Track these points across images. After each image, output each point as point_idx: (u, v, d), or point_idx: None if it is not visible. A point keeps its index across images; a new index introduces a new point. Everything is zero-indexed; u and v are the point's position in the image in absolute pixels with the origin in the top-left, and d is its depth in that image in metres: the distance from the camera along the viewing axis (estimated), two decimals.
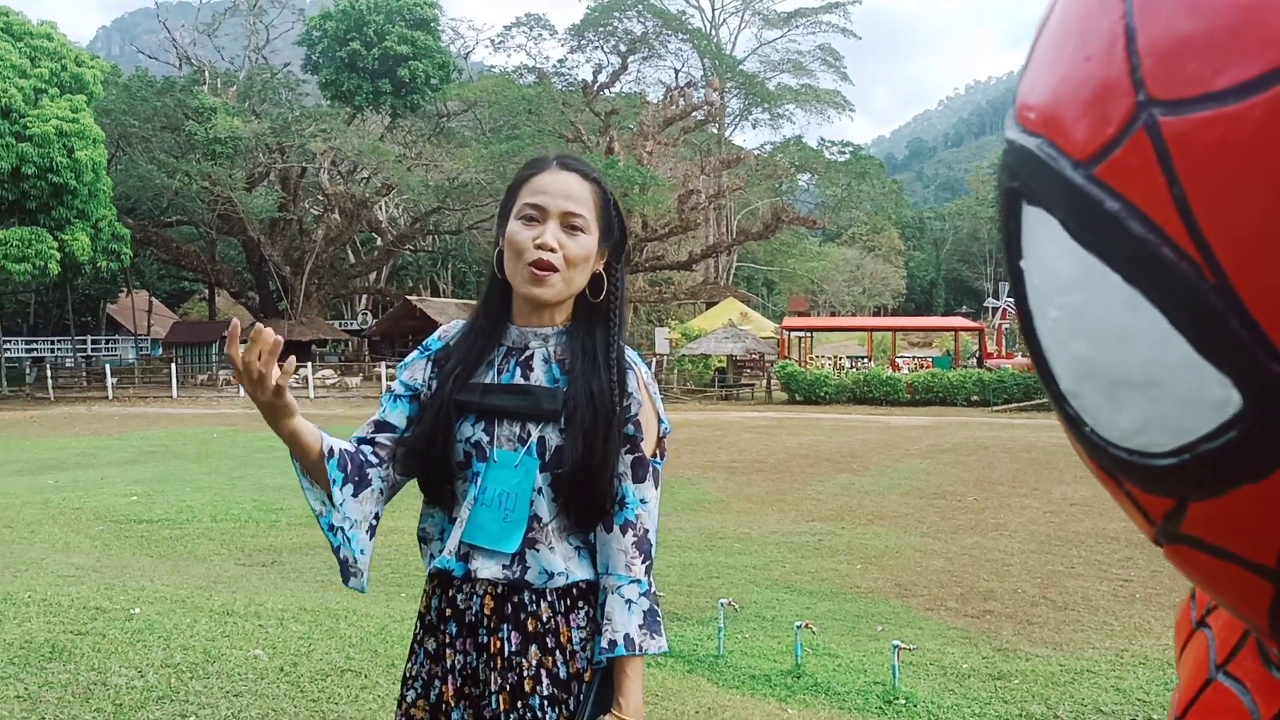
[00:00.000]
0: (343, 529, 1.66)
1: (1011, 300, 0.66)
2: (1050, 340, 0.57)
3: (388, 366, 34.59)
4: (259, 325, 1.53)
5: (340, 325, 49.09)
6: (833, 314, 59.81)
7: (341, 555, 1.68)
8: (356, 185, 39.98)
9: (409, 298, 42.80)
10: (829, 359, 34.51)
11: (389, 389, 1.81)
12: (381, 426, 1.75)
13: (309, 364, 33.78)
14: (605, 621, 1.61)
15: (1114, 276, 0.50)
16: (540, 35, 54.36)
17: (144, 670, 3.89)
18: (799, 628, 5.32)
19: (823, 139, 52.55)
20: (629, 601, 1.61)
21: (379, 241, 46.16)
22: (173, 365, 33.04)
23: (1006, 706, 4.80)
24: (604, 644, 1.60)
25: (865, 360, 35.09)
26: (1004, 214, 0.60)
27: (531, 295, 1.64)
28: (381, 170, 37.52)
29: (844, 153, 51.31)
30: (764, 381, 32.43)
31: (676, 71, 51.41)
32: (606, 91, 47.06)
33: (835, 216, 58.85)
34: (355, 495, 1.67)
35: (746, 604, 6.57)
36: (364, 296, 53.47)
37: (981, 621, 6.47)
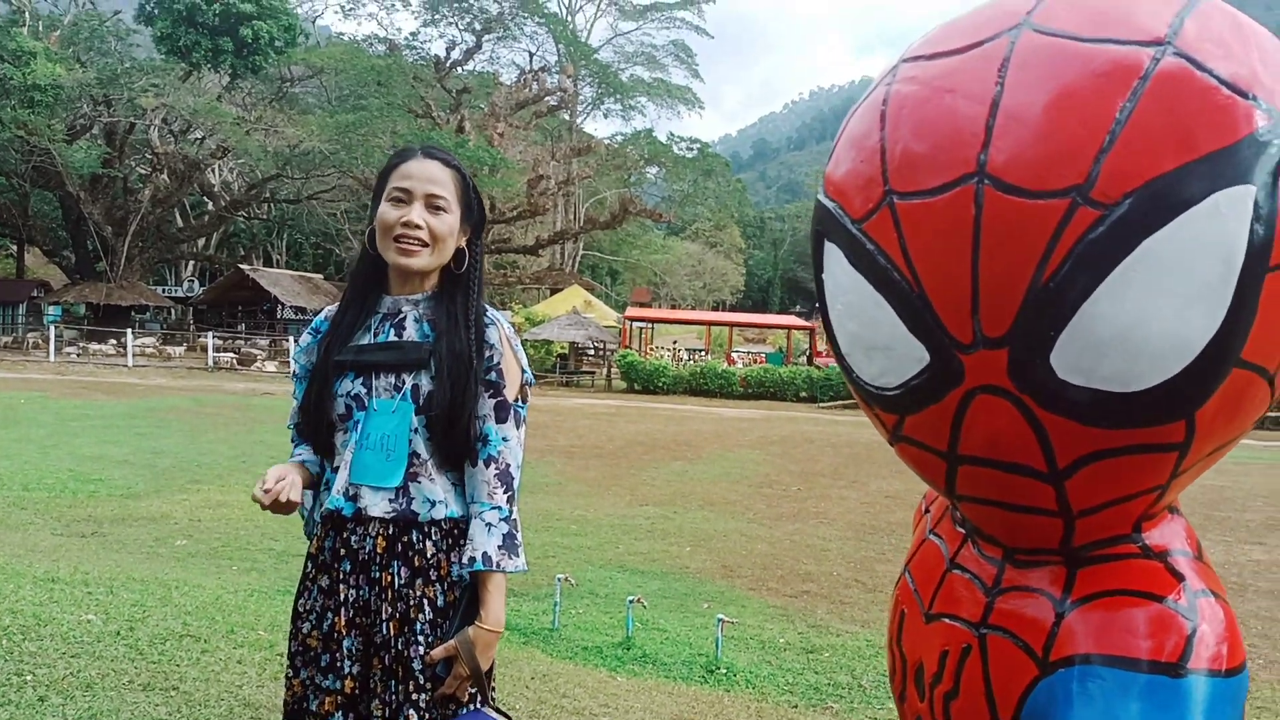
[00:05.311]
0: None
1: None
2: (836, 322, 0.91)
3: (215, 337, 33.10)
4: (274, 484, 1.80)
5: (164, 291, 46.37)
6: (674, 306, 60.82)
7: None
8: (189, 146, 37.74)
9: (241, 266, 40.85)
10: (668, 350, 35.13)
11: (294, 374, 2.04)
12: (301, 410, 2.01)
13: (128, 330, 31.96)
14: (468, 542, 1.83)
15: (869, 286, 0.83)
16: (393, 5, 52.92)
17: None
18: (631, 602, 5.59)
19: (672, 134, 53.42)
20: (489, 525, 1.83)
21: (210, 206, 43.81)
22: None
23: (817, 676, 5.19)
24: (465, 560, 1.82)
25: (703, 353, 35.89)
26: (813, 245, 0.94)
27: (400, 265, 1.87)
28: (217, 132, 35.57)
29: (692, 149, 52.37)
30: (604, 370, 32.80)
31: (531, 55, 51.19)
32: (459, 69, 46.34)
33: (680, 211, 59.95)
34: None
35: (581, 582, 6.79)
36: (191, 263, 50.74)
37: (799, 601, 6.92)
